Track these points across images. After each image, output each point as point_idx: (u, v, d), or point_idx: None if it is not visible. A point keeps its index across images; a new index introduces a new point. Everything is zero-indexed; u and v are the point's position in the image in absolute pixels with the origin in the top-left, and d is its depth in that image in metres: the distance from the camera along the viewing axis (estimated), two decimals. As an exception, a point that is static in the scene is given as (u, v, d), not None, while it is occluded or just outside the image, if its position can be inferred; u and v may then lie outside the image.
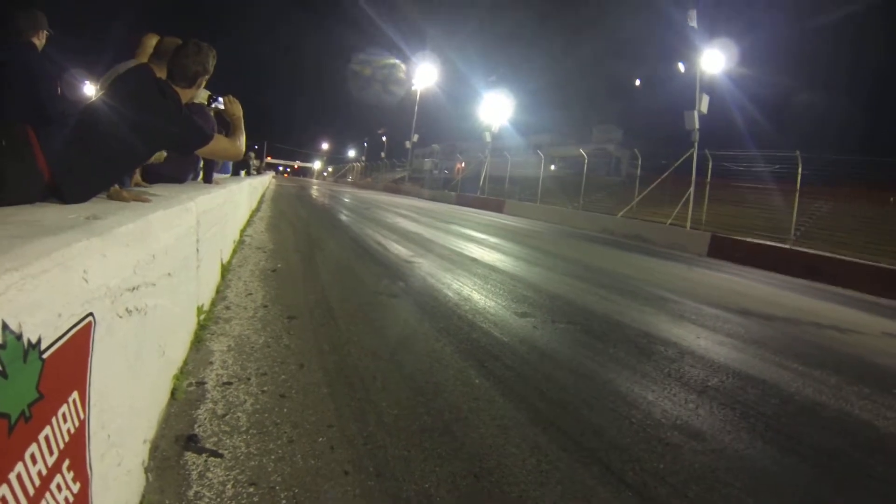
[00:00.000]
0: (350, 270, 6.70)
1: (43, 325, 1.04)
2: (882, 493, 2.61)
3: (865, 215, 18.86)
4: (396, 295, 5.47)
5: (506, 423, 2.81)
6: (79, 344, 1.22)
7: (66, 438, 1.13)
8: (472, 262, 8.45)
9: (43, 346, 1.04)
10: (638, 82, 44.14)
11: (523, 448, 2.56)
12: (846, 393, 4.06)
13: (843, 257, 14.81)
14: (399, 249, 8.97)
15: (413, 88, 51.19)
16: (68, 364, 1.17)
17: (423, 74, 50.50)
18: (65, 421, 1.13)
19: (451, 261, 8.33)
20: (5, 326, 0.92)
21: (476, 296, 5.86)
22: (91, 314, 1.28)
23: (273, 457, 2.19)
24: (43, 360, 1.03)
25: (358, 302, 5.02)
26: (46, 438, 1.04)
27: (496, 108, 38.61)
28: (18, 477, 0.93)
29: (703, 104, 20.55)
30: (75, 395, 1.20)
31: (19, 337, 0.95)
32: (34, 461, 0.99)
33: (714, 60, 21.08)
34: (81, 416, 1.23)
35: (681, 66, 22.78)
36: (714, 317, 6.42)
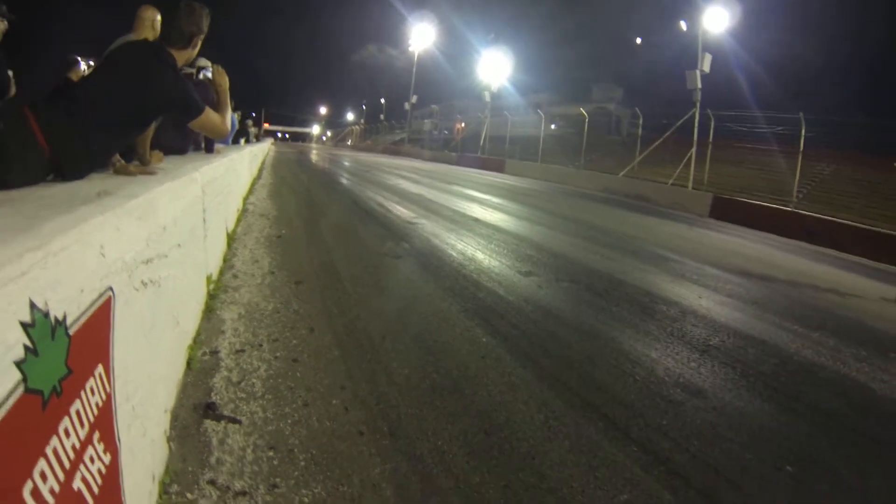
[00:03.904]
0: (354, 233, 6.72)
1: (67, 301, 1.06)
2: (875, 453, 2.68)
3: (867, 180, 18.64)
4: (401, 256, 5.50)
5: (513, 381, 2.87)
6: (101, 318, 1.24)
7: (95, 411, 1.16)
8: (475, 223, 8.45)
9: (69, 322, 1.05)
10: (639, 41, 43.08)
11: (531, 405, 2.62)
12: (844, 355, 4.11)
13: (843, 221, 14.70)
14: (401, 211, 8.96)
15: (410, 49, 50.13)
16: (92, 338, 1.20)
17: (421, 35, 49.38)
18: (93, 394, 1.16)
19: (453, 221, 8.34)
20: (33, 305, 0.93)
21: (480, 255, 5.89)
22: (110, 288, 1.30)
23: (289, 420, 2.25)
24: (69, 336, 1.05)
25: (363, 264, 5.05)
26: (77, 412, 1.07)
27: (495, 67, 37.85)
28: (55, 451, 0.96)
29: (706, 63, 20.13)
30: (100, 368, 1.22)
31: (46, 314, 0.97)
32: (67, 435, 1.02)
33: (717, 18, 20.53)
34: (107, 388, 1.26)
35: (683, 25, 22.25)
36: (715, 277, 6.45)
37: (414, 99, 49.45)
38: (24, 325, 0.91)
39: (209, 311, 3.37)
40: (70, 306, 1.07)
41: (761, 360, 3.73)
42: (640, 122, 25.51)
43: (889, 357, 4.22)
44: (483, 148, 36.90)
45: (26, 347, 0.91)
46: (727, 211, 16.60)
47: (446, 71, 51.63)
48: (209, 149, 5.83)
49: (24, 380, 0.89)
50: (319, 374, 2.73)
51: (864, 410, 3.17)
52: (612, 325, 4.03)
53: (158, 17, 3.78)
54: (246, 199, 8.59)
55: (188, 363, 2.56)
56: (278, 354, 2.89)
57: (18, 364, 0.88)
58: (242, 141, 13.84)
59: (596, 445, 2.33)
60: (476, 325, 3.68)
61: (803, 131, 17.53)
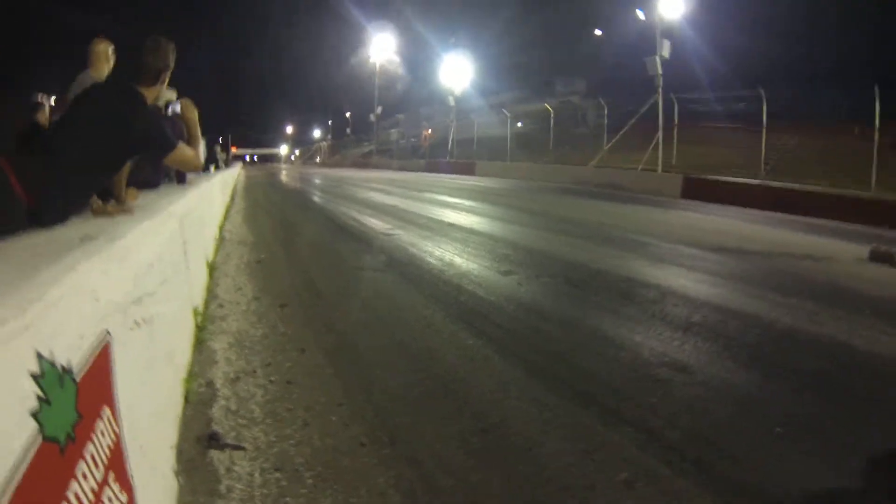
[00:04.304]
0: (331, 251, 6.75)
1: (70, 348, 1.10)
2: (863, 409, 2.79)
3: (830, 147, 19.19)
4: (380, 269, 5.55)
5: (503, 379, 2.94)
6: (102, 361, 1.28)
7: (108, 453, 1.20)
8: (450, 228, 8.53)
9: (74, 368, 1.09)
10: (598, 32, 43.56)
11: (523, 399, 2.69)
12: (822, 318, 4.24)
13: (811, 188, 15.08)
14: (376, 223, 9.00)
15: (371, 60, 50.01)
16: (97, 382, 1.24)
17: (382, 45, 49.27)
18: (104, 437, 1.20)
19: (429, 229, 8.41)
20: (40, 356, 0.97)
21: (458, 260, 5.97)
22: (107, 331, 1.34)
23: (292, 441, 2.29)
24: (76, 382, 1.09)
25: (344, 281, 5.10)
26: (92, 456, 1.11)
27: (458, 71, 38.04)
28: (76, 495, 1.00)
29: (665, 49, 20.54)
30: (107, 410, 1.26)
31: (53, 363, 1.01)
32: (85, 478, 1.06)
33: (672, 5, 20.96)
34: (116, 429, 1.30)
35: (640, 14, 22.67)
36: (691, 256, 6.61)
37: (379, 110, 49.39)
38: (34, 377, 0.95)
39: (199, 342, 3.38)
40: (73, 353, 1.11)
41: (743, 331, 3.85)
42: (606, 112, 25.87)
43: (865, 314, 4.38)
44: (451, 152, 37.06)
45: (39, 398, 0.95)
46: (698, 190, 16.92)
47: (410, 79, 51.72)
48: (181, 180, 5.82)
49: (41, 429, 0.93)
50: (315, 393, 2.77)
51: (847, 367, 3.31)
52: (594, 315, 4.13)
53: (111, 49, 3.81)
54: (222, 226, 8.55)
55: (186, 396, 2.58)
56: (273, 378, 2.93)
57: (34, 415, 0.92)
58: (213, 168, 13.75)
59: (591, 431, 2.41)
60: (461, 328, 3.75)
61: (765, 106, 18.00)
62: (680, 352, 3.38)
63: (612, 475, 2.09)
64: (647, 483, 2.05)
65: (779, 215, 12.80)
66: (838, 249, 7.85)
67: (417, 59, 50.18)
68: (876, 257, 7.09)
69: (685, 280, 5.30)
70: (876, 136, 14.90)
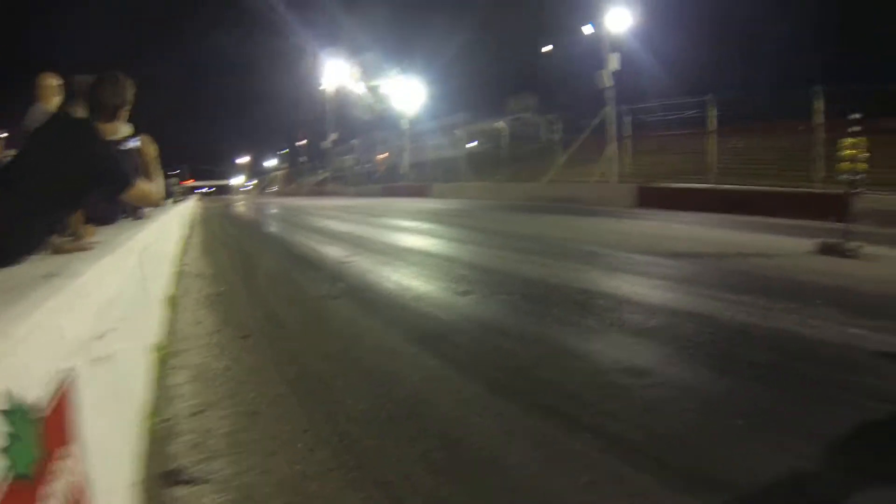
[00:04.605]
0: (290, 281, 6.73)
1: (37, 385, 1.13)
2: (817, 393, 2.95)
3: (778, 146, 20.10)
4: (339, 296, 5.56)
5: (465, 396, 3.01)
6: (66, 397, 1.30)
7: (72, 490, 1.22)
8: (407, 252, 8.61)
9: (41, 405, 1.12)
10: (549, 48, 44.74)
11: (485, 415, 2.77)
12: (775, 311, 4.46)
13: (761, 188, 15.70)
14: (333, 251, 9.00)
15: (322, 87, 49.84)
16: (62, 418, 1.26)
17: (334, 71, 49.09)
18: (68, 474, 1.22)
19: (386, 254, 8.46)
20: (9, 393, 1.00)
21: (415, 283, 6.03)
22: (72, 368, 1.36)
23: (259, 471, 2.29)
24: (44, 419, 1.12)
25: (304, 310, 5.11)
26: (58, 493, 1.13)
27: (410, 95, 38.39)
28: (45, 530, 1.02)
29: (614, 62, 21.34)
30: (72, 447, 1.28)
31: (21, 401, 1.04)
32: (53, 513, 1.08)
33: (620, 19, 21.83)
34: (80, 466, 1.32)
35: (588, 28, 23.55)
36: (646, 263, 6.85)
37: (334, 136, 49.23)
38: (4, 413, 0.98)
39: (161, 377, 3.34)
40: (40, 389, 1.14)
41: (698, 331, 4.00)
42: (559, 126, 26.51)
43: (816, 304, 4.59)
44: (406, 176, 37.29)
45: (9, 435, 0.97)
46: (652, 198, 17.43)
47: (363, 104, 51.63)
48: (138, 215, 5.73)
49: (12, 466, 0.96)
50: (280, 422, 2.78)
51: (799, 356, 3.49)
52: (552, 328, 4.25)
53: (59, 82, 3.81)
54: (180, 259, 8.40)
55: (149, 432, 2.56)
56: (237, 410, 2.92)
57: (4, 451, 0.95)
58: (170, 201, 13.49)
59: (553, 439, 2.49)
60: (421, 350, 3.81)
61: (714, 112, 18.89)
62: (638, 357, 3.51)
63: (575, 479, 2.17)
64: (611, 484, 2.14)
65: (732, 217, 13.21)
66: (789, 245, 8.16)
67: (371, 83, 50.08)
68: (825, 250, 7.48)
69: (641, 287, 5.50)
70: (818, 134, 15.77)
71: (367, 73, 46.11)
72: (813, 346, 3.71)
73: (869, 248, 7.18)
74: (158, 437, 2.60)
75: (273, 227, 15.29)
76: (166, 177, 15.84)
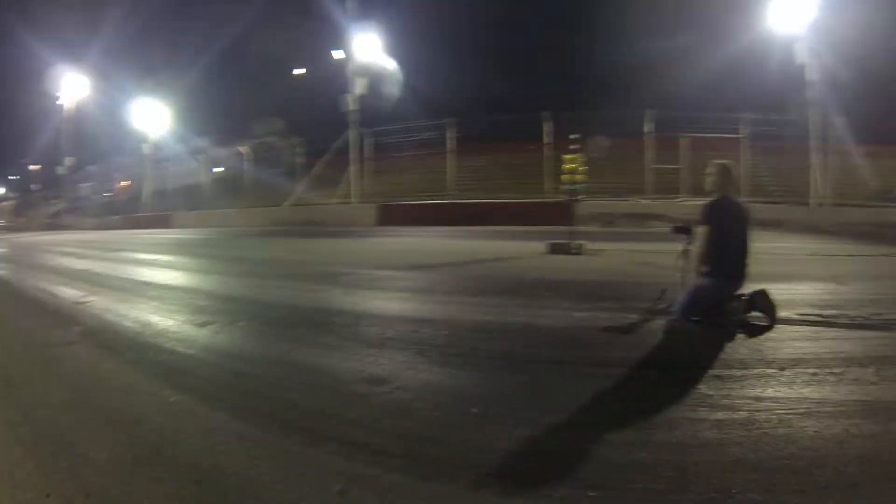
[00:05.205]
0: (19, 331, 5.55)
1: None
2: (547, 371, 3.47)
3: (513, 163, 23.05)
4: (75, 341, 4.80)
5: (210, 427, 2.86)
6: None
7: None
8: (146, 286, 7.76)
9: None
10: (298, 72, 44.00)
11: (231, 443, 2.66)
12: (510, 308, 5.05)
13: (498, 200, 17.86)
14: (69, 292, 7.61)
15: (59, 102, 40.13)
16: None
17: (73, 86, 39.40)
18: None
19: (124, 290, 7.49)
20: None
21: (155, 319, 5.51)
22: None
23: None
24: None
25: (34, 361, 4.30)
26: None
27: (153, 118, 34.00)
28: None
29: (361, 86, 22.18)
30: None
31: None
32: None
33: (366, 47, 22.71)
34: None
35: (338, 54, 24.01)
36: (385, 278, 7.23)
37: (71, 161, 40.41)
38: None
39: None
40: None
41: (435, 335, 4.37)
42: (302, 150, 26.45)
43: (544, 297, 5.34)
44: (147, 205, 33.42)
45: None
46: (393, 216, 18.47)
47: (105, 125, 43.18)
48: None
49: None
50: (17, 492, 2.33)
51: (532, 343, 4.05)
52: (293, 349, 4.26)
53: None
54: None
55: None
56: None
57: None
58: None
59: (299, 454, 2.51)
60: (163, 387, 3.50)
61: (453, 134, 21.21)
62: (377, 366, 3.71)
63: (326, 489, 2.22)
64: (362, 487, 2.23)
65: (472, 228, 14.56)
66: (522, 249, 9.26)
67: (114, 105, 42.03)
68: (554, 250, 8.89)
69: (379, 301, 5.83)
70: (547, 152, 18.61)
71: (109, 90, 38.97)
72: (543, 332, 4.37)
73: (590, 245, 8.69)
74: None
75: (1, 270, 12.27)
76: None
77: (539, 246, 8.92)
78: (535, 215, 15.37)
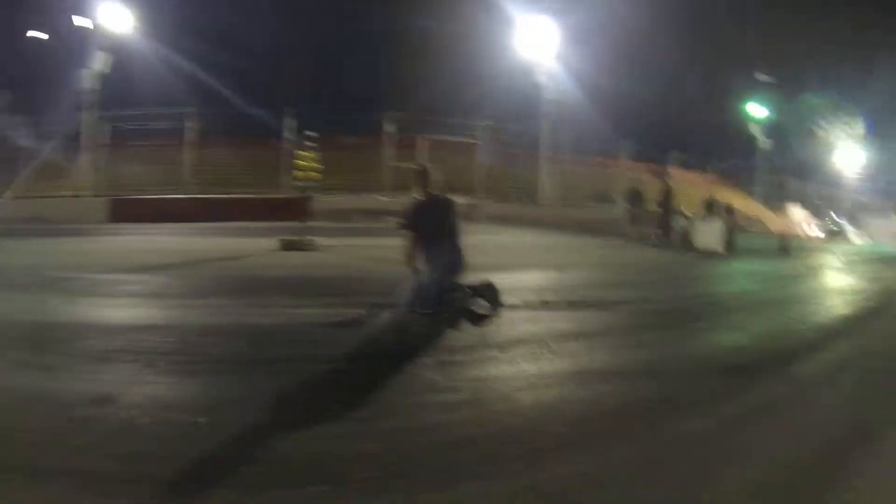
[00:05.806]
0: None
1: None
2: (267, 371, 3.48)
3: (253, 158, 22.09)
4: None
5: None
6: None
7: None
8: None
9: None
10: (35, 34, 34.79)
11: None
12: (237, 308, 4.94)
13: (236, 195, 16.93)
14: None
15: None
16: None
17: None
18: None
19: None
20: None
21: None
22: None
23: None
24: None
25: None
26: None
27: None
28: None
29: (102, 62, 19.01)
30: None
31: None
32: None
33: (119, 17, 19.43)
34: None
35: (76, 20, 19.93)
36: (112, 282, 6.46)
37: None
38: None
39: None
40: None
41: (162, 343, 4.05)
42: (30, 132, 21.56)
43: (272, 295, 5.28)
44: None
45: None
46: (127, 212, 16.40)
47: None
48: None
49: None
50: None
51: (259, 344, 4.03)
52: (5, 373, 3.51)
53: None
54: None
55: None
56: None
57: None
58: None
59: (23, 496, 2.13)
60: None
61: (192, 124, 19.77)
62: (100, 383, 3.26)
63: None
64: None
65: (208, 224, 13.59)
66: (256, 246, 8.92)
67: None
68: (286, 247, 8.81)
69: (105, 309, 5.20)
70: (287, 148, 18.25)
71: None
72: (272, 332, 4.37)
73: (321, 241, 8.72)
74: None
75: None
76: None
77: (273, 243, 8.80)
78: (273, 211, 15.07)
